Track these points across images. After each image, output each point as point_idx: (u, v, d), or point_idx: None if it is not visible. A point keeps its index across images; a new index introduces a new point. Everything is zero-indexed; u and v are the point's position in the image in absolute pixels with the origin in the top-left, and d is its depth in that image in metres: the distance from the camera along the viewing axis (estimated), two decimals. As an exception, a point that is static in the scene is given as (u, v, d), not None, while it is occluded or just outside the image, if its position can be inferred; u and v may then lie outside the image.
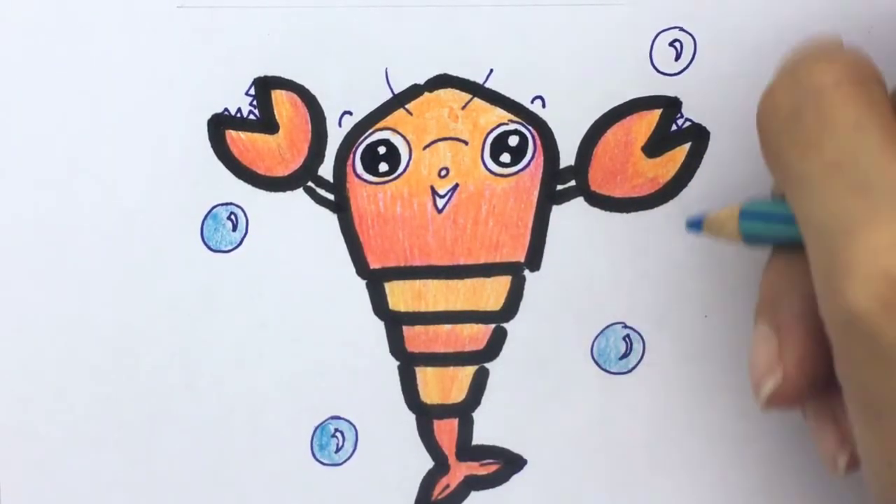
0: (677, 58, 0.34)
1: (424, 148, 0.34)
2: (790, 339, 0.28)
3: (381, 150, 0.34)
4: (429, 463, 0.36)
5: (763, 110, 0.28)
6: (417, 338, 0.35)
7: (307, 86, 0.34)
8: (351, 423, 0.36)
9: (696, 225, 0.31)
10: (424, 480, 0.36)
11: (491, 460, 0.36)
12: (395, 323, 0.35)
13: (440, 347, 0.35)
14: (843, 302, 0.24)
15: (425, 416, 0.36)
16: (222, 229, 0.34)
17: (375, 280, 0.35)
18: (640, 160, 0.34)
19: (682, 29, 0.33)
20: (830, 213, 0.25)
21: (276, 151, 0.34)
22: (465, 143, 0.34)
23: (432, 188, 0.34)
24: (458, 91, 0.34)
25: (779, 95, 0.27)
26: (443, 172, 0.34)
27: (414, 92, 0.34)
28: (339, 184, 0.34)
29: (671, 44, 0.33)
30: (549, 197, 0.34)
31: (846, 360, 0.25)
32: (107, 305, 0.34)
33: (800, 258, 0.27)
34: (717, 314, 0.35)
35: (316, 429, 0.36)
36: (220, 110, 0.34)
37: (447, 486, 0.36)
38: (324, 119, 0.34)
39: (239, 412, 0.35)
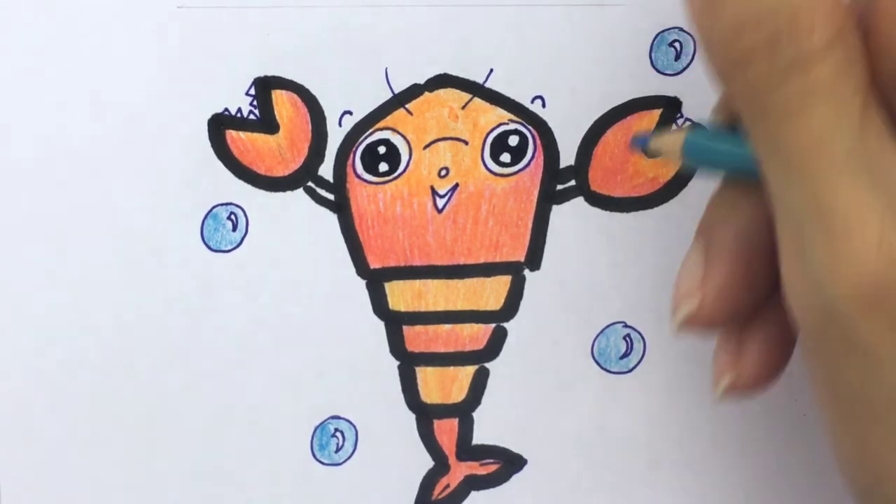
0: (677, 58, 0.34)
1: (424, 148, 0.34)
2: (715, 269, 0.28)
3: (381, 149, 0.34)
4: (429, 463, 0.36)
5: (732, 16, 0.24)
6: (417, 338, 0.35)
7: (307, 86, 0.34)
8: (351, 423, 0.36)
9: (640, 142, 0.31)
10: (424, 480, 0.36)
11: (491, 460, 0.36)
12: (395, 323, 0.35)
13: (440, 347, 0.35)
14: (822, 295, 0.23)
15: (425, 415, 0.36)
16: (222, 229, 0.34)
17: (375, 280, 0.35)
18: (640, 160, 0.34)
19: (681, 29, 0.33)
20: (811, 193, 0.23)
21: (277, 151, 0.34)
22: (465, 142, 0.34)
23: (432, 188, 0.34)
24: (458, 91, 0.34)
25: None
26: (443, 172, 0.34)
27: (414, 92, 0.34)
28: (339, 184, 0.34)
29: (671, 44, 0.33)
30: (549, 197, 0.34)
31: (817, 349, 0.25)
32: (107, 305, 0.34)
33: (746, 193, 0.27)
34: (717, 314, 0.35)
35: (316, 429, 0.36)
36: (220, 110, 0.34)
37: (447, 485, 0.36)
38: (324, 119, 0.34)
39: (239, 412, 0.35)
